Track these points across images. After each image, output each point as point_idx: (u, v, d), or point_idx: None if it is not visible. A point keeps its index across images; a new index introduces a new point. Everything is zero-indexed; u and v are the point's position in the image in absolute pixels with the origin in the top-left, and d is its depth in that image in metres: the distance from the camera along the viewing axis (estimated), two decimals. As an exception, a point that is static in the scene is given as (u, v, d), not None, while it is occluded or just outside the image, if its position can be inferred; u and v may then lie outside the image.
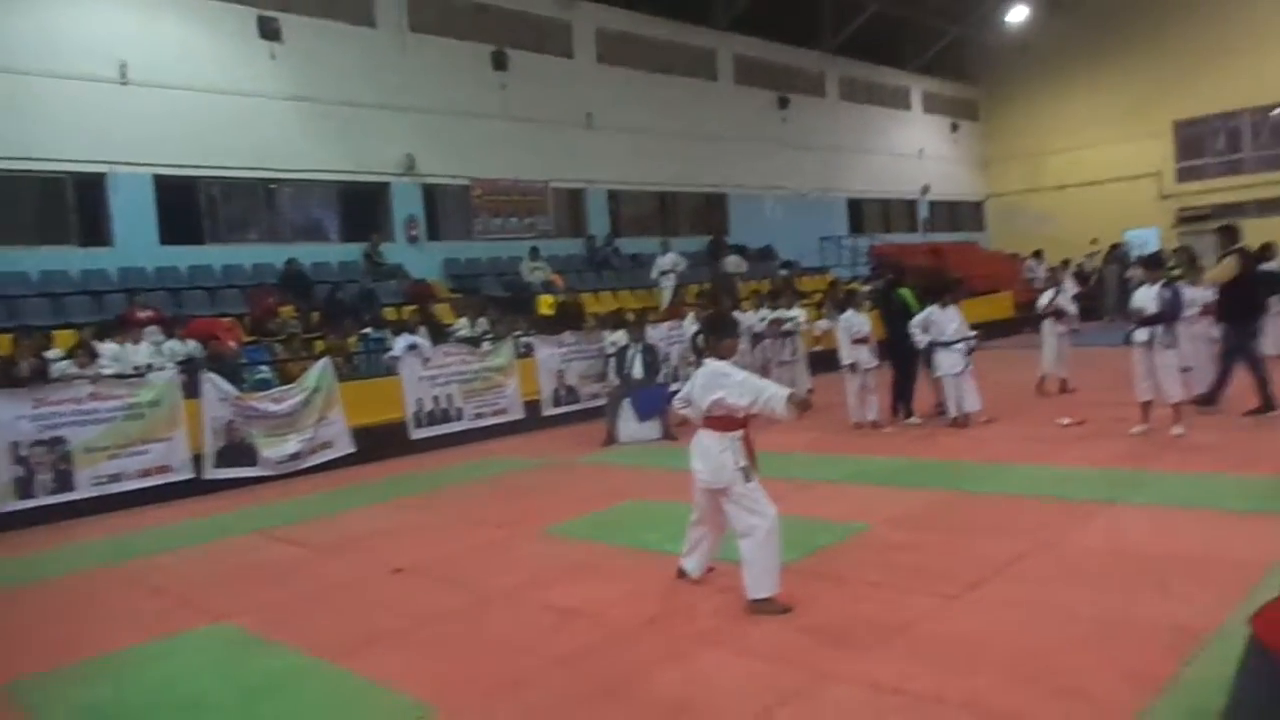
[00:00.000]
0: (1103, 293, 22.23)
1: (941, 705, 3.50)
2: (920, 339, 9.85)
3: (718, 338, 5.07)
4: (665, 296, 17.12)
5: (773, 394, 4.74)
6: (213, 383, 9.74)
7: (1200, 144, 27.85)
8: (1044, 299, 11.90)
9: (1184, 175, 27.84)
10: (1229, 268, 8.94)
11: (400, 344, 11.61)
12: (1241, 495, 6.15)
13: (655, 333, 12.67)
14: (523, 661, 4.36)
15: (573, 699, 3.90)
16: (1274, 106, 26.31)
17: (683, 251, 21.01)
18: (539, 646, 4.53)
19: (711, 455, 4.84)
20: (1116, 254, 23.34)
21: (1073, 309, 11.95)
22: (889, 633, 4.29)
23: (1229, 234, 9.45)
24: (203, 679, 4.48)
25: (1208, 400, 9.16)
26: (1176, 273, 9.94)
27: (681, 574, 5.27)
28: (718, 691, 3.87)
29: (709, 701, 3.77)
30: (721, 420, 4.86)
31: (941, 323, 9.81)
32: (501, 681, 4.15)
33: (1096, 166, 28.42)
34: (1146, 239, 25.71)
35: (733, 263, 19.42)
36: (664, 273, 17.59)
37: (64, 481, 8.74)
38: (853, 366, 10.27)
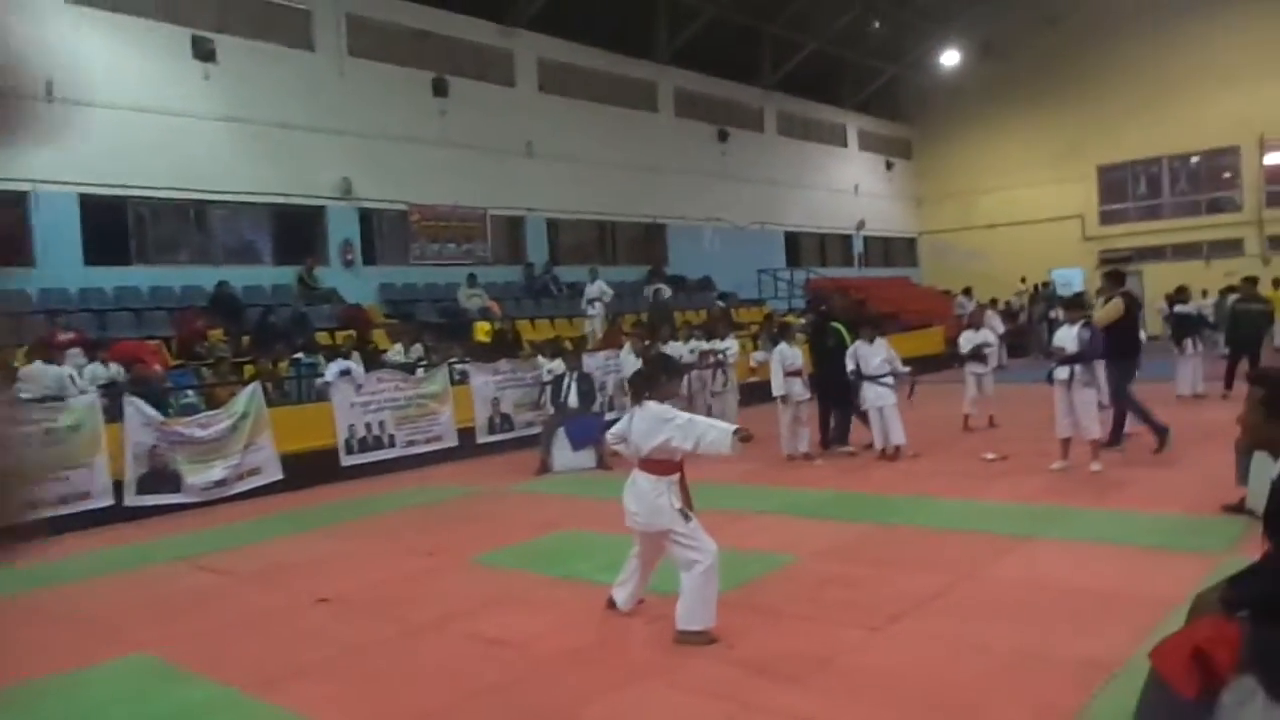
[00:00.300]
0: (1030, 330, 22.91)
1: (862, 737, 3.57)
2: (850, 371, 10.07)
3: (660, 381, 5.09)
4: (594, 325, 17.03)
5: (717, 435, 4.75)
6: (136, 407, 9.49)
7: (1122, 188, 28.97)
8: (965, 341, 12.16)
9: (1106, 218, 28.92)
10: (1115, 309, 9.39)
11: (333, 369, 11.45)
12: (1153, 532, 6.37)
13: (592, 361, 12.71)
14: (450, 693, 4.33)
15: (497, 732, 3.89)
16: (1192, 155, 27.50)
17: (621, 281, 21.23)
18: (466, 677, 4.50)
19: (646, 499, 4.85)
20: (1043, 293, 24.11)
21: (993, 348, 12.28)
22: (815, 665, 4.35)
23: (1114, 279, 10.02)
24: (116, 712, 4.36)
25: (1112, 441, 9.51)
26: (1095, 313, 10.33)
27: (611, 604, 5.27)
28: (643, 723, 3.88)
29: (634, 734, 3.78)
30: (659, 464, 4.88)
31: (867, 356, 10.03)
32: (428, 712, 4.11)
33: (1025, 207, 29.37)
34: (1071, 279, 26.62)
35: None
36: (591, 301, 17.52)
37: (-25, 508, 8.40)
38: (784, 399, 10.41)
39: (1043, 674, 4.05)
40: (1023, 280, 26.25)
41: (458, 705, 4.17)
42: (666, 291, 19.60)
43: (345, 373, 11.41)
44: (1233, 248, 26.09)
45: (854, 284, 23.95)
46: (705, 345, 12.74)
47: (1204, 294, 19.05)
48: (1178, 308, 13.12)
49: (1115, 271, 10.24)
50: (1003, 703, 3.78)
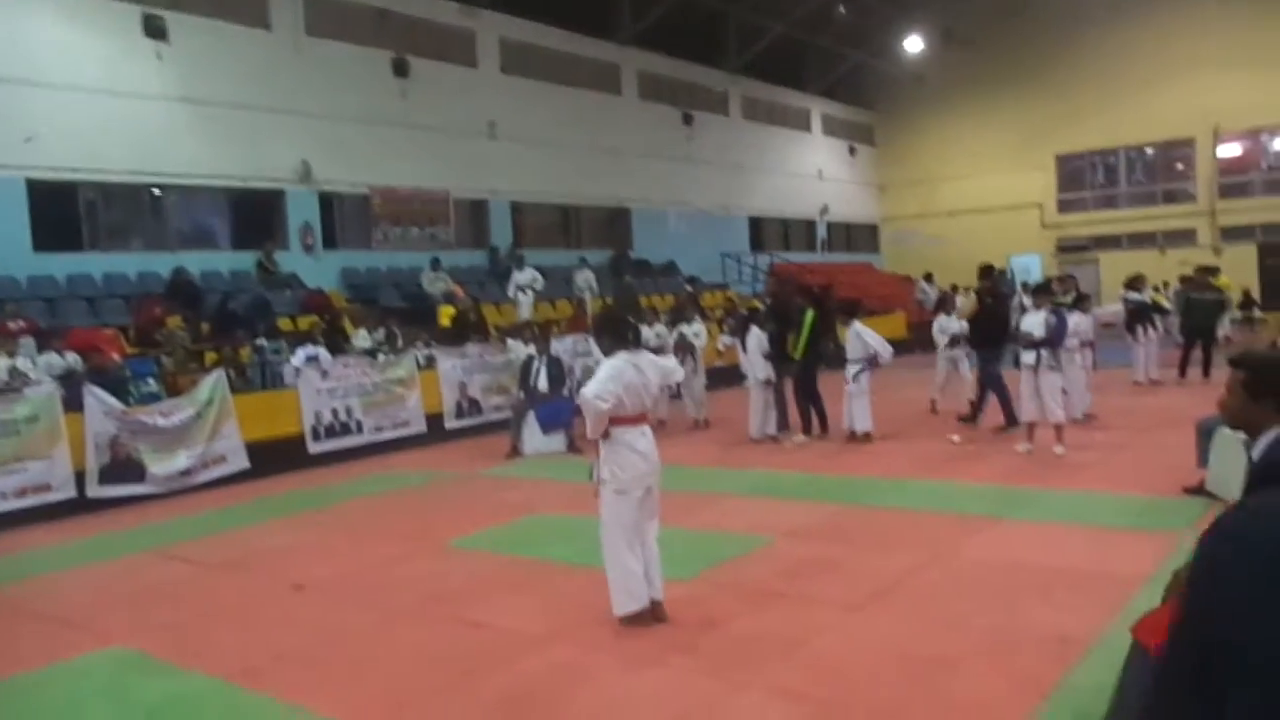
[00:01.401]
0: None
1: (848, 713, 3.63)
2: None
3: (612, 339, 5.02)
4: (523, 314, 16.29)
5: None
6: (95, 396, 9.28)
7: (1080, 178, 29.40)
8: (940, 329, 12.06)
9: (1064, 206, 29.34)
10: (971, 304, 10.42)
11: (300, 355, 11.33)
12: (1119, 512, 6.53)
13: (560, 345, 12.68)
14: (437, 676, 4.33)
15: (484, 713, 3.89)
16: (1148, 146, 27.98)
17: (587, 265, 21.17)
18: (452, 661, 4.50)
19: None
20: (1001, 280, 24.35)
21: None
22: (794, 643, 4.41)
23: (985, 273, 10.70)
24: (95, 706, 4.30)
25: (970, 417, 10.44)
26: (1067, 300, 10.56)
27: (657, 616, 4.86)
28: (629, 702, 3.92)
29: (621, 713, 3.81)
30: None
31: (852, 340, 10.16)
32: (413, 697, 4.11)
33: (985, 194, 29.69)
34: (1029, 266, 27.00)
35: (583, 279, 18.69)
36: (520, 288, 16.84)
37: (-69, 501, 8.23)
38: (768, 381, 10.47)
39: (1019, 649, 4.14)
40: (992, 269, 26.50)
41: (447, 688, 4.18)
42: (590, 278, 18.78)
43: (312, 359, 11.29)
44: (1186, 238, 26.60)
45: (817, 269, 24.12)
46: (675, 330, 12.73)
47: (1164, 285, 19.40)
48: (1131, 295, 13.36)
49: (985, 266, 10.88)
50: (982, 676, 3.87)
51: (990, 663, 4.02)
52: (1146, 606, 4.30)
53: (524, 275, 16.86)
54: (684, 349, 12.59)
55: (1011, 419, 9.77)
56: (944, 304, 12.68)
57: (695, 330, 12.80)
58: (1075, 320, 9.61)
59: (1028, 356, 8.52)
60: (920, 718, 3.55)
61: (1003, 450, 8.91)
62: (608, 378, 4.75)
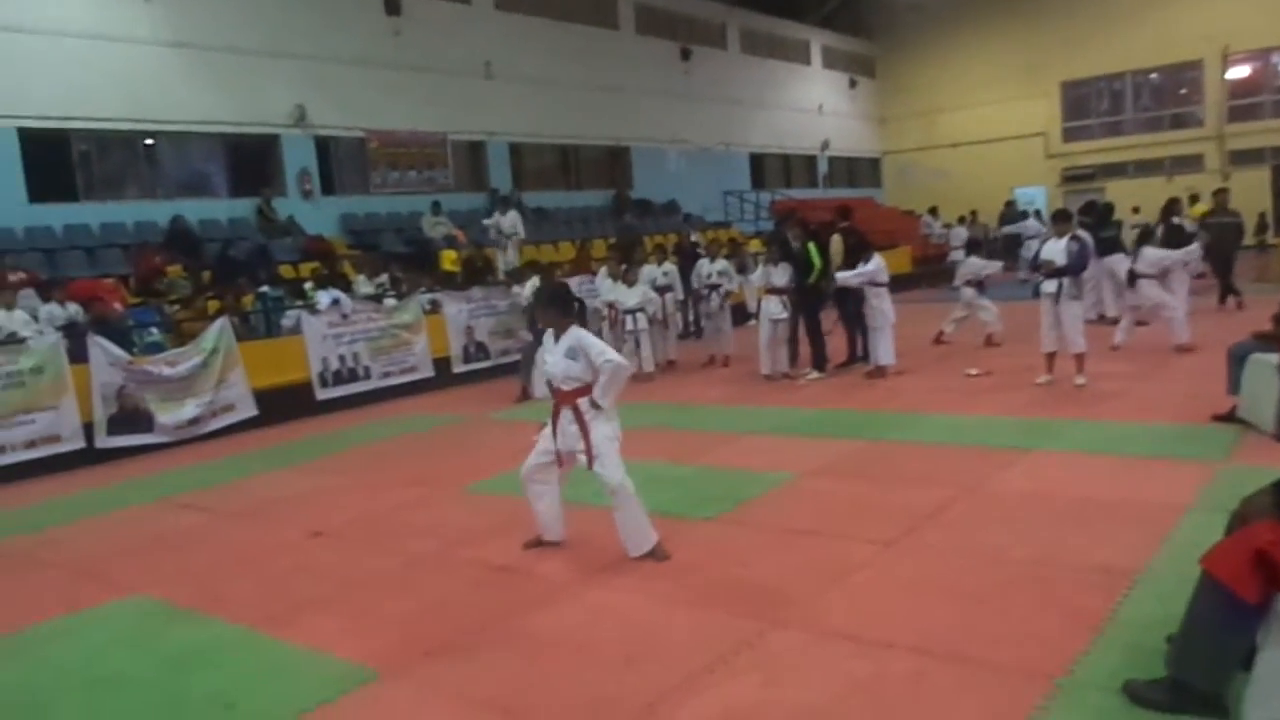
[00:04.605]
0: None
1: (892, 650, 3.54)
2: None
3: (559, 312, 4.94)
4: (510, 260, 15.58)
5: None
6: (100, 346, 9.15)
7: (1085, 105, 28.89)
8: (968, 268, 11.93)
9: (1070, 135, 28.87)
10: (837, 246, 10.54)
11: (324, 298, 11.28)
12: (1147, 441, 6.41)
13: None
14: (459, 621, 4.25)
15: (518, 656, 3.81)
16: (1154, 70, 27.42)
17: (587, 206, 20.88)
18: (478, 605, 4.42)
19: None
20: (1007, 212, 24.06)
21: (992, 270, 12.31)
22: (829, 580, 4.32)
23: (840, 212, 11.13)
24: (120, 654, 4.21)
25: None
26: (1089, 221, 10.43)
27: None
28: (668, 642, 3.82)
29: (657, 652, 3.72)
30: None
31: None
32: (440, 642, 4.02)
33: (988, 125, 29.24)
34: (1034, 197, 26.67)
35: (509, 221, 16.45)
36: (504, 234, 16.05)
37: (-60, 454, 8.14)
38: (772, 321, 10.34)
39: (1062, 581, 4.04)
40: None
41: (470, 632, 4.09)
42: (518, 221, 16.73)
43: (335, 301, 11.21)
44: (1194, 163, 26.20)
45: (819, 205, 23.78)
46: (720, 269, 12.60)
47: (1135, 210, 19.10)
48: (1175, 220, 12.95)
49: (842, 206, 11.26)
50: (1029, 610, 3.77)
51: (1035, 596, 3.92)
52: (1193, 537, 4.24)
53: (506, 221, 16.15)
54: (711, 287, 12.53)
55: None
56: (973, 243, 12.60)
57: (721, 269, 12.68)
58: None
59: (1049, 286, 8.34)
60: (971, 653, 3.45)
61: (1021, 383, 8.77)
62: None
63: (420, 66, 17.72)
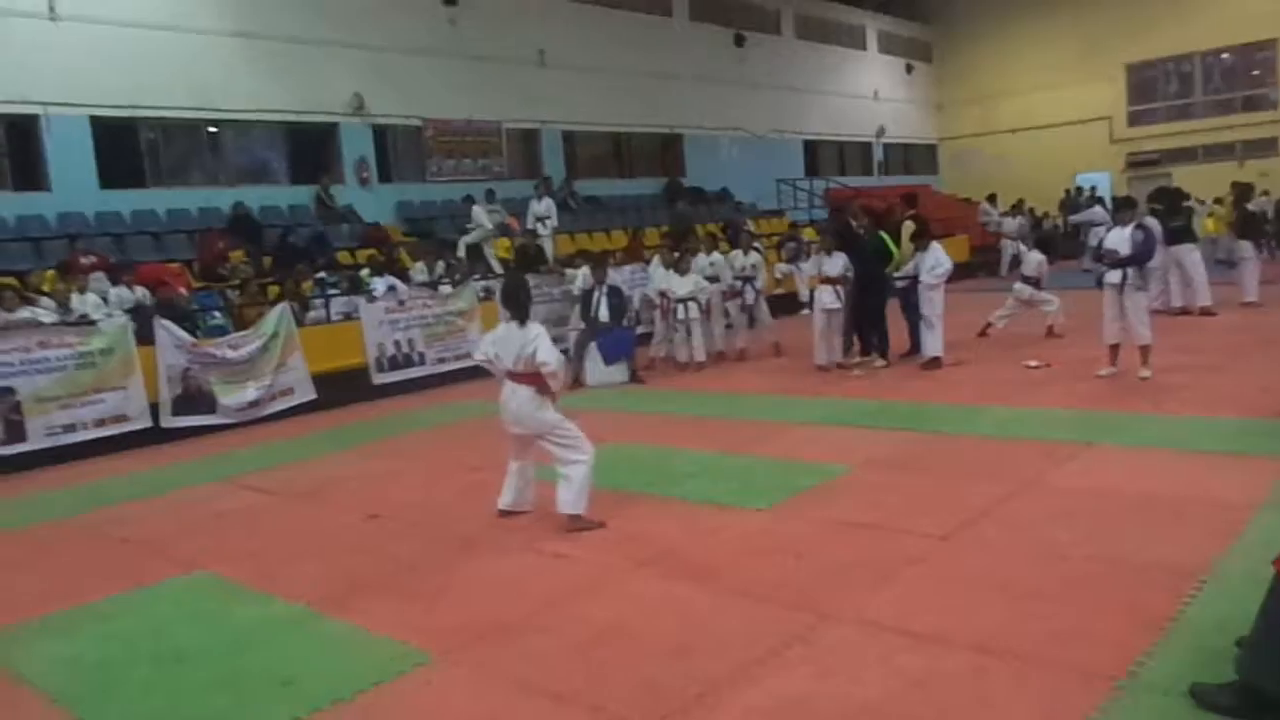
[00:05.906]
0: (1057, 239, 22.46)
1: (948, 646, 3.50)
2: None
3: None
4: (545, 246, 15.23)
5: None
6: (166, 329, 9.40)
7: (1151, 88, 28.06)
8: (1031, 262, 11.63)
9: (1135, 119, 28.05)
10: (907, 233, 10.27)
11: (380, 285, 11.46)
12: (1213, 437, 6.24)
13: (618, 275, 12.50)
14: (515, 605, 4.29)
15: (570, 642, 3.84)
16: (1224, 51, 26.53)
17: (640, 195, 20.81)
18: (535, 590, 4.46)
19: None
20: (1072, 200, 23.51)
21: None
22: (884, 574, 4.29)
23: (908, 201, 11.08)
24: (186, 629, 4.33)
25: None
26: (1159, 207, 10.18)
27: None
28: (720, 632, 3.82)
29: (711, 643, 3.72)
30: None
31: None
32: (494, 626, 4.07)
33: (1048, 110, 28.52)
34: (1097, 183, 26.01)
35: (543, 207, 16.00)
36: (540, 219, 15.79)
37: (15, 433, 8.40)
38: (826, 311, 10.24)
39: (1125, 580, 3.96)
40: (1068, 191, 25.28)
41: (525, 617, 4.13)
42: (505, 211, 16.49)
43: (392, 288, 11.40)
44: (1267, 147, 25.27)
45: (875, 193, 23.47)
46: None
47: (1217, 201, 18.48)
48: (1251, 205, 12.45)
49: (909, 194, 11.27)
50: (1090, 608, 3.70)
51: (1096, 594, 3.84)
52: (1264, 537, 4.13)
53: (541, 206, 15.94)
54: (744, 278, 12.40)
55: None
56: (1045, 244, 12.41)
57: (754, 261, 12.52)
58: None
59: (1113, 275, 8.13)
60: (1028, 651, 3.40)
61: (1082, 375, 8.58)
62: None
63: (476, 55, 17.82)
